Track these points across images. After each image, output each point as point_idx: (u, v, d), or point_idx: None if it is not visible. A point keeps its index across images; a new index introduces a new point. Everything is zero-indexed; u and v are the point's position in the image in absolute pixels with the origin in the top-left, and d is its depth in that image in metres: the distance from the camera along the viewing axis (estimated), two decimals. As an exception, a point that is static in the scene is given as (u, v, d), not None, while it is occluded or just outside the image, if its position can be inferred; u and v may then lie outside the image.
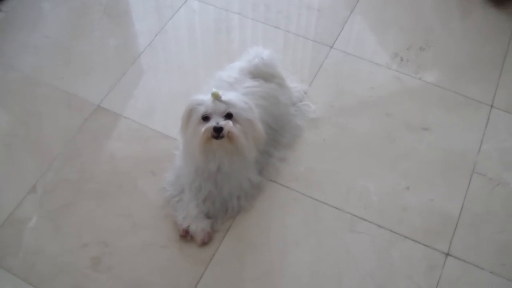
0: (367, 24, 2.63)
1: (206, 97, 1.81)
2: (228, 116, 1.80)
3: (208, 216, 1.98)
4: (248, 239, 1.97)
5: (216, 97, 1.79)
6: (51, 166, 2.11)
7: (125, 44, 2.52)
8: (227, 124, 1.78)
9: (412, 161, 2.16)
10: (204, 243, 1.94)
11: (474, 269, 1.91)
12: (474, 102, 2.34)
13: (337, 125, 2.26)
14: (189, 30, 2.59)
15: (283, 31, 2.59)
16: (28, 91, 2.34)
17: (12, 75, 2.39)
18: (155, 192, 2.05)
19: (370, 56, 2.50)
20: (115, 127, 2.23)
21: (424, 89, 2.38)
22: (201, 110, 1.80)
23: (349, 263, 1.92)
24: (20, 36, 2.53)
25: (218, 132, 1.77)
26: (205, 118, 1.80)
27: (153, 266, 1.90)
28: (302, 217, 2.02)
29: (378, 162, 2.16)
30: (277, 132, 2.14)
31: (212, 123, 1.78)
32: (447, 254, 1.94)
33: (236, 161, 1.88)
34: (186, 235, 1.95)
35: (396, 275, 1.89)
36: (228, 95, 1.82)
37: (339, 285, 1.87)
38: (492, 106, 2.33)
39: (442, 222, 2.02)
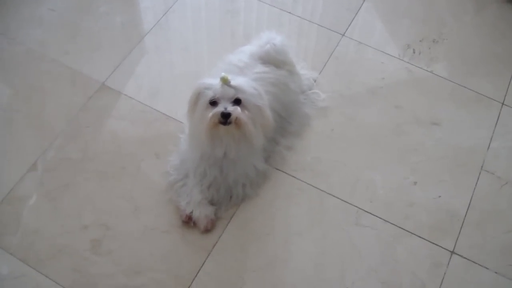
0: (379, 13, 2.58)
1: (215, 81, 1.77)
2: (237, 101, 1.76)
3: (212, 202, 1.95)
4: (251, 227, 1.94)
5: (225, 81, 1.74)
6: (52, 143, 2.07)
7: (131, 22, 2.47)
8: (235, 110, 1.74)
9: (420, 156, 2.13)
10: (207, 230, 1.91)
11: (479, 269, 1.89)
12: (485, 98, 2.31)
13: (346, 115, 2.23)
14: (195, 10, 2.54)
15: (293, 16, 2.54)
16: (31, 65, 2.29)
17: (15, 48, 2.34)
18: (159, 176, 2.02)
19: (382, 46, 2.46)
20: (119, 107, 2.19)
21: (435, 83, 2.35)
22: (209, 95, 1.76)
23: (353, 257, 1.90)
24: (24, 8, 2.47)
25: (225, 118, 1.73)
26: (213, 102, 1.76)
27: (154, 251, 1.87)
28: (307, 208, 1.99)
29: (386, 155, 2.14)
30: (285, 120, 2.10)
31: (220, 108, 1.74)
32: (453, 252, 1.92)
33: (243, 148, 1.84)
34: (189, 221, 1.91)
35: (400, 271, 1.87)
36: (237, 80, 1.78)
37: (342, 279, 1.85)
38: (503, 103, 2.30)
39: (449, 219, 1.99)
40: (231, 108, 1.74)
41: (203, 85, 1.79)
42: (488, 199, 2.05)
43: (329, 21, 2.53)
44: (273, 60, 2.05)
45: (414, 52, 2.44)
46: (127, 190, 1.99)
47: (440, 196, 2.04)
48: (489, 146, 2.17)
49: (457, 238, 1.95)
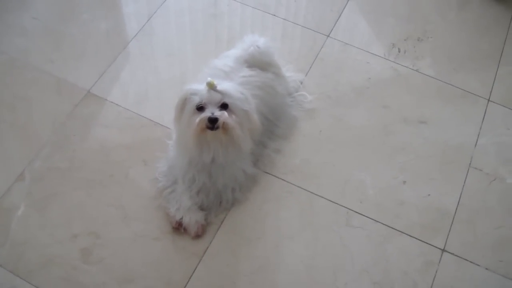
0: (364, 13, 2.59)
1: (201, 87, 1.76)
2: (224, 106, 1.76)
3: (201, 208, 1.94)
4: (242, 232, 1.93)
5: (211, 86, 1.74)
6: (39, 153, 2.05)
7: (115, 28, 2.45)
8: (223, 115, 1.73)
9: (409, 155, 2.14)
10: (198, 236, 1.90)
11: (470, 266, 1.90)
12: (472, 95, 2.32)
13: (334, 117, 2.22)
14: (183, 15, 2.53)
15: (278, 18, 2.54)
16: (15, 74, 2.26)
17: (-2, 57, 2.32)
18: (147, 182, 2.01)
19: (367, 46, 2.46)
20: (106, 114, 2.17)
21: (422, 81, 2.36)
22: (196, 100, 1.75)
23: (344, 258, 1.90)
24: (7, 17, 2.45)
25: (213, 123, 1.72)
26: (200, 108, 1.75)
27: (145, 258, 1.86)
28: (297, 211, 1.99)
29: (375, 155, 2.14)
30: (273, 122, 2.10)
31: (207, 114, 1.73)
32: (443, 250, 1.93)
33: (231, 153, 1.84)
34: (179, 228, 1.91)
35: (392, 271, 1.88)
36: (223, 85, 1.77)
37: (335, 280, 1.85)
38: (489, 100, 2.31)
39: (439, 217, 2.00)
40: (218, 113, 1.73)
41: (189, 90, 1.78)
42: (477, 196, 2.06)
43: (313, 22, 2.53)
44: (258, 62, 2.04)
45: (399, 51, 2.45)
46: (116, 198, 1.97)
47: (429, 195, 2.05)
48: (476, 142, 2.18)
49: (448, 236, 1.96)
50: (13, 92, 2.21)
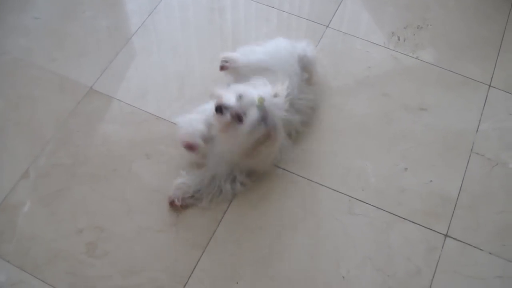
0: (363, 2, 2.59)
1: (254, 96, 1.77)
2: (240, 118, 1.77)
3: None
4: (245, 222, 1.95)
5: (260, 102, 1.75)
6: (44, 150, 2.08)
7: (117, 25, 2.47)
8: (225, 117, 1.77)
9: (410, 142, 2.14)
10: (187, 146, 1.93)
11: (473, 250, 1.90)
12: (472, 81, 2.31)
13: (334, 106, 2.23)
14: (181, 9, 2.54)
15: (277, 10, 2.55)
16: (19, 73, 2.29)
17: (2, 58, 2.34)
18: (150, 176, 2.03)
19: (367, 35, 2.46)
20: (108, 110, 2.20)
21: (422, 69, 2.36)
22: (245, 92, 1.78)
23: (347, 246, 1.91)
24: (9, 18, 2.47)
25: (218, 110, 1.76)
26: (239, 97, 1.78)
27: (149, 251, 1.88)
28: (300, 200, 2.00)
29: (376, 143, 2.14)
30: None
31: (228, 101, 1.76)
32: (446, 236, 1.93)
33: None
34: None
35: (395, 257, 1.88)
36: (270, 102, 1.78)
37: (338, 268, 1.86)
38: (490, 85, 2.31)
39: (441, 203, 2.00)
40: (227, 114, 1.75)
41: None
42: (479, 181, 2.05)
43: (313, 13, 2.53)
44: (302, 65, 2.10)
45: (399, 40, 2.45)
46: (120, 192, 1.99)
47: (431, 181, 2.05)
48: (478, 128, 2.18)
49: (450, 222, 1.96)
50: (17, 91, 2.24)
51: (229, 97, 1.76)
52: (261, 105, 1.73)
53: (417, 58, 2.39)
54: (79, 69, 2.30)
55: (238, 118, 1.75)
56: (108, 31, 2.44)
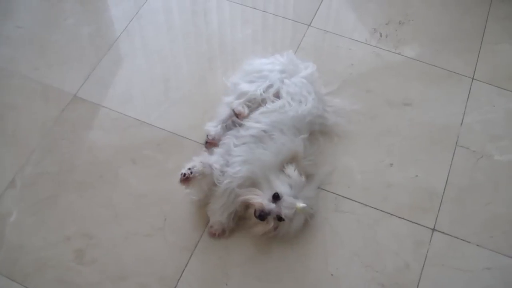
0: (344, 0, 2.59)
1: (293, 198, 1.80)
2: (280, 218, 1.81)
3: None
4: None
5: (300, 211, 1.80)
6: (29, 159, 2.07)
7: (99, 31, 2.47)
8: (269, 222, 1.81)
9: (395, 137, 2.15)
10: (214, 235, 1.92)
11: (461, 243, 1.91)
12: (455, 75, 2.32)
13: (319, 104, 2.22)
14: (165, 13, 2.54)
15: (257, 11, 2.55)
16: (2, 83, 2.29)
17: (-16, 68, 2.33)
18: (137, 181, 2.03)
19: (349, 33, 2.46)
20: (93, 117, 2.19)
21: (405, 64, 2.36)
22: (283, 191, 1.80)
23: (335, 243, 1.91)
24: (-9, 27, 2.47)
25: (260, 217, 1.78)
26: (275, 196, 1.79)
27: (137, 256, 1.88)
28: (286, 199, 1.99)
29: (361, 139, 2.14)
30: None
31: (268, 207, 1.77)
32: (433, 230, 1.94)
33: None
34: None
35: (383, 253, 1.89)
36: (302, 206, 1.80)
37: (326, 266, 1.86)
38: (473, 78, 2.31)
39: (428, 197, 2.01)
40: (269, 218, 1.79)
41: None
42: (465, 174, 2.06)
43: (294, 12, 2.54)
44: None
45: (381, 36, 2.45)
46: (107, 198, 1.99)
47: (417, 176, 2.06)
48: (462, 121, 2.19)
49: (437, 215, 1.97)
50: (1, 101, 2.23)
51: (266, 201, 1.78)
52: (303, 211, 1.79)
53: (399, 53, 2.39)
54: (62, 77, 2.30)
55: (279, 219, 1.80)
56: (90, 38, 2.44)
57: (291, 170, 1.84)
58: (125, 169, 2.06)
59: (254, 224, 1.83)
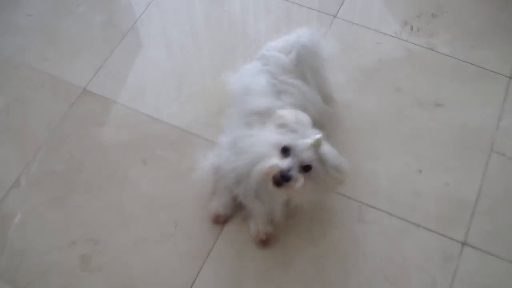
0: (373, -11, 2.47)
1: (302, 138, 1.47)
2: (306, 168, 1.47)
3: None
4: (246, 232, 1.84)
5: (316, 144, 1.45)
6: (35, 156, 1.99)
7: (112, 20, 2.37)
8: (298, 180, 1.44)
9: (424, 141, 2.03)
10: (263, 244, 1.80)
11: (493, 259, 1.80)
12: (492, 73, 2.19)
13: (343, 103, 2.11)
14: (179, 2, 2.44)
15: (284, 1, 2.43)
16: (10, 74, 2.20)
17: (-8, 58, 2.25)
18: (147, 183, 1.94)
19: (377, 25, 2.34)
20: (103, 112, 2.10)
21: (437, 61, 2.24)
22: (291, 140, 1.47)
23: (357, 256, 1.81)
24: (1, 16, 2.38)
25: (280, 182, 1.45)
26: (285, 150, 1.47)
27: (146, 263, 1.79)
28: (306, 207, 1.86)
29: (388, 143, 2.03)
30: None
31: (284, 165, 1.44)
32: (464, 244, 1.83)
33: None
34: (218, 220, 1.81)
35: (408, 268, 1.78)
36: (326, 149, 1.49)
37: (347, 281, 1.76)
38: (511, 77, 2.18)
39: (458, 208, 1.90)
40: (295, 174, 1.44)
41: (293, 124, 1.50)
42: (499, 183, 1.94)
43: (319, 2, 2.41)
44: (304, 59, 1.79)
45: (412, 29, 2.32)
46: (115, 201, 1.90)
47: (447, 184, 1.94)
48: (498, 125, 2.06)
49: (468, 228, 1.86)
50: (7, 93, 2.15)
51: (276, 160, 1.47)
52: (317, 144, 1.46)
53: (431, 49, 2.27)
54: (72, 68, 2.21)
55: (306, 169, 1.47)
56: (102, 27, 2.34)
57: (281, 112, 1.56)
58: (135, 169, 1.97)
59: (291, 197, 1.55)
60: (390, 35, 2.31)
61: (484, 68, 2.20)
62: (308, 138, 1.46)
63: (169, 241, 1.83)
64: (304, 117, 1.54)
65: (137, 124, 2.07)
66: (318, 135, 1.46)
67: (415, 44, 2.28)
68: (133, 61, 2.25)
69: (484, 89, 2.16)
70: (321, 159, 1.47)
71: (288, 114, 1.53)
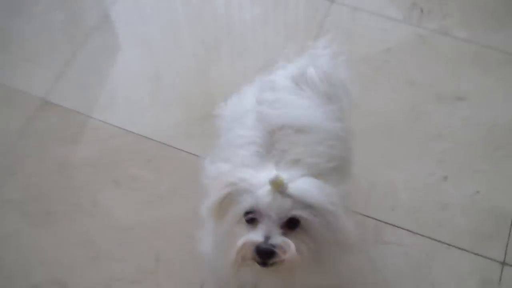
0: (374, -32, 2.31)
1: (259, 179, 1.12)
2: (292, 223, 1.10)
3: None
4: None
5: (277, 187, 1.08)
6: (-15, 184, 1.78)
7: (75, 17, 2.20)
8: (286, 246, 1.08)
9: (447, 142, 1.87)
10: None
11: (542, 281, 1.60)
12: (518, 58, 2.04)
13: (350, 102, 1.91)
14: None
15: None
16: (-45, 88, 2.00)
17: None
18: (121, 209, 1.72)
19: (382, 9, 2.19)
20: (66, 126, 1.90)
21: (454, 47, 2.09)
22: (246, 203, 1.12)
23: (377, 285, 1.62)
24: None
25: (265, 257, 1.08)
26: (250, 220, 1.12)
27: (123, 309, 1.58)
28: (313, 227, 1.66)
29: (404, 146, 1.87)
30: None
31: (257, 237, 1.08)
32: (504, 263, 1.65)
33: None
34: None
35: (440, 297, 1.59)
36: (299, 184, 1.11)
37: (368, 316, 1.56)
38: (539, 61, 2.03)
39: (493, 220, 1.72)
40: (278, 239, 1.08)
41: (238, 179, 1.14)
42: (540, 188, 1.76)
43: (313, -14, 2.26)
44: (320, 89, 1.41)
45: (422, 12, 2.18)
46: (83, 233, 1.68)
47: (478, 192, 1.77)
48: (530, 118, 1.90)
49: (507, 244, 1.68)
50: (-50, 109, 1.95)
51: (243, 235, 1.11)
52: (279, 187, 1.08)
53: (446, 33, 2.12)
54: (29, 76, 2.02)
55: (291, 224, 1.11)
56: (63, 28, 2.17)
57: None
58: (106, 194, 1.76)
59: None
60: (398, 20, 2.18)
61: (508, 53, 2.07)
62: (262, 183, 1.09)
63: (150, 280, 1.61)
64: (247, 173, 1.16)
65: (107, 138, 1.88)
66: (274, 172, 1.10)
67: (427, 28, 2.15)
68: (99, 65, 2.10)
69: (510, 77, 2.02)
70: (303, 201, 1.09)
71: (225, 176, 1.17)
